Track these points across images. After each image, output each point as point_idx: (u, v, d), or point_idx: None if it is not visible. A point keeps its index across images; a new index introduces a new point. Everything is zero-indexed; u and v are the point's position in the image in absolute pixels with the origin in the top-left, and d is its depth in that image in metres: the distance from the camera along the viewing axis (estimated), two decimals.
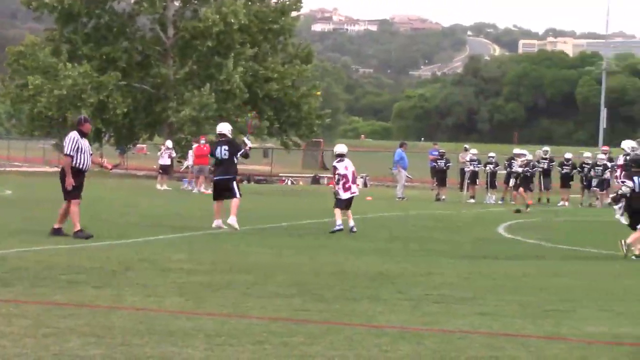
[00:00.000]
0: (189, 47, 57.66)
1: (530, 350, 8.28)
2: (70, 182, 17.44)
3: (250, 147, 21.62)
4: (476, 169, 38.14)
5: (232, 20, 55.50)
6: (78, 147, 17.58)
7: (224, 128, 21.12)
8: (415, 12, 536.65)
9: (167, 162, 43.16)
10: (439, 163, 39.24)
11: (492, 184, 37.72)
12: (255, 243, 17.40)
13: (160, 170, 42.84)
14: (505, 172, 37.05)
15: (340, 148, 21.98)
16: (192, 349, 7.85)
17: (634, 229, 17.39)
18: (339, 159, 21.68)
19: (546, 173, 38.00)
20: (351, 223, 20.99)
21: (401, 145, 39.83)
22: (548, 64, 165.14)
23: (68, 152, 17.58)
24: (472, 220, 25.99)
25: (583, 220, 27.86)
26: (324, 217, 23.44)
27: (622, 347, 8.51)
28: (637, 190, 17.50)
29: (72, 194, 17.53)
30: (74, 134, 17.74)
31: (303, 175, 61.80)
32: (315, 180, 57.43)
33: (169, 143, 45.23)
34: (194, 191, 39.42)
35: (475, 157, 38.73)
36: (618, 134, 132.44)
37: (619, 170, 27.52)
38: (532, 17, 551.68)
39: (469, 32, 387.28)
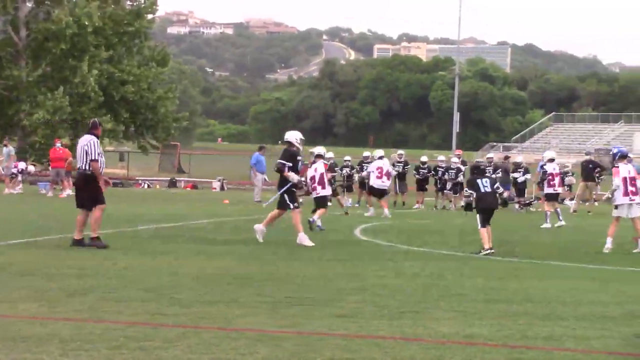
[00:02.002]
0: (43, 49, 56.54)
1: (386, 351, 8.40)
2: (104, 184, 17.41)
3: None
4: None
5: (86, 23, 54.69)
6: (101, 152, 17.46)
7: (290, 136, 20.12)
8: (270, 15, 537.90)
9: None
10: None
11: (348, 188, 37.87)
12: (118, 247, 17.14)
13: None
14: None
15: (317, 149, 23.10)
16: (46, 354, 7.73)
17: (483, 226, 18.28)
18: (313, 160, 22.41)
19: (401, 176, 38.49)
20: (315, 218, 22.94)
21: (260, 149, 39.85)
22: (402, 68, 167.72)
23: (95, 157, 17.22)
24: (330, 223, 26.14)
25: (434, 223, 28.31)
26: (185, 220, 23.28)
27: (475, 347, 8.71)
28: (482, 190, 18.47)
29: (99, 199, 17.27)
30: (94, 138, 17.39)
31: (159, 178, 61.31)
32: (172, 184, 57.06)
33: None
34: (48, 195, 38.72)
35: (332, 161, 39.02)
36: (470, 138, 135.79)
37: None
38: (386, 22, 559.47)
39: (325, 36, 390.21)
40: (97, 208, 17.31)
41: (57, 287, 11.60)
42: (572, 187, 39.86)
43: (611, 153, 21.13)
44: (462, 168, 37.25)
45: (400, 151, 41.39)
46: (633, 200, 19.53)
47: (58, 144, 40.15)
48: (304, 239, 19.18)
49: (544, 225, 27.30)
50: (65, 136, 54.27)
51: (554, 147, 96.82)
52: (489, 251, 18.03)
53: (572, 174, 39.92)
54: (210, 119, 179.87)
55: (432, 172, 38.59)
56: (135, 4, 60.14)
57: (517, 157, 40.54)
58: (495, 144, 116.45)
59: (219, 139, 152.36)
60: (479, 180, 18.69)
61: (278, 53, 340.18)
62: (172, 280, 12.78)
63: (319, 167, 22.38)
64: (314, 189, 22.41)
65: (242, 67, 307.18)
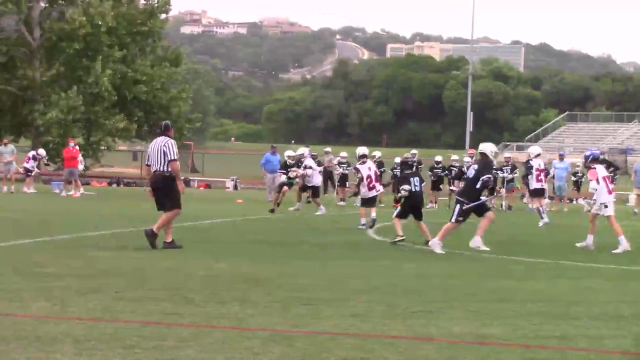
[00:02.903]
0: (56, 48, 56.65)
1: (400, 350, 8.38)
2: (182, 187, 17.54)
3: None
4: (345, 171, 38.46)
5: (100, 22, 54.80)
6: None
7: (485, 148, 19.83)
8: (283, 15, 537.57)
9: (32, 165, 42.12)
10: None
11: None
12: (131, 247, 17.17)
13: (29, 174, 41.90)
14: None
15: (362, 150, 24.49)
16: (60, 354, 7.73)
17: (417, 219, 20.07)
18: (361, 160, 23.17)
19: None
20: (373, 215, 24.17)
21: (271, 149, 39.90)
22: (415, 67, 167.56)
23: (175, 157, 17.27)
24: (344, 223, 26.14)
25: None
26: (199, 220, 23.32)
27: (488, 347, 8.69)
28: (413, 189, 19.98)
29: (177, 202, 17.34)
30: (170, 140, 17.45)
31: None
32: (186, 183, 57.12)
33: (42, 152, 44.34)
34: (62, 194, 38.81)
35: (345, 160, 39.05)
36: (484, 137, 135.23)
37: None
38: (399, 22, 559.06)
39: (338, 36, 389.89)
40: (173, 212, 17.22)
41: (70, 287, 11.61)
42: (581, 186, 39.79)
43: (584, 155, 21.50)
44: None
45: (414, 150, 41.37)
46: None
47: (71, 144, 40.24)
48: (478, 242, 19.07)
49: (542, 222, 27.19)
50: (79, 136, 54.43)
51: (567, 147, 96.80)
52: (399, 239, 19.47)
53: (582, 175, 39.79)
54: (224, 118, 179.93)
55: (447, 171, 38.55)
56: (148, 3, 60.16)
57: (505, 154, 40.52)
58: (509, 143, 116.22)
59: (232, 139, 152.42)
60: (411, 179, 20.02)
61: (291, 53, 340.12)
62: (185, 279, 12.78)
63: (372, 166, 23.86)
64: (373, 187, 24.01)
65: (255, 67, 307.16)
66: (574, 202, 41.81)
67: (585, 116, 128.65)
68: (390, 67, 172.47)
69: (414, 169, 21.78)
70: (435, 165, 39.30)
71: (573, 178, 41.99)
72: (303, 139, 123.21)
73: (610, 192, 19.94)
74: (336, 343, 8.58)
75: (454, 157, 40.09)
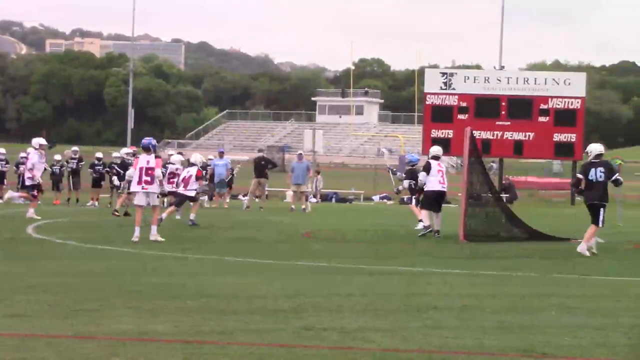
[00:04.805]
0: None
1: (60, 350, 8.27)
2: None
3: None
4: (4, 168, 37.55)
5: None
6: None
7: (597, 148, 19.61)
8: None
9: None
10: None
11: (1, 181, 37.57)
12: None
13: None
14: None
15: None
16: None
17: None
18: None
19: (75, 173, 37.97)
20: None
21: None
22: (75, 64, 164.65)
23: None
24: (0, 221, 25.35)
25: (112, 220, 28.01)
26: None
27: (151, 343, 8.73)
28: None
29: None
30: None
31: None
32: None
33: None
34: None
35: (3, 157, 38.08)
36: (145, 134, 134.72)
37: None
38: (59, 17, 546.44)
39: None
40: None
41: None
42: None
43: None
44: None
45: (75, 147, 40.69)
46: None
47: None
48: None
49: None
50: None
51: (227, 144, 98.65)
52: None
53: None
54: None
55: (107, 168, 38.12)
56: None
57: (192, 155, 40.83)
58: (170, 140, 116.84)
59: None
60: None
61: None
62: None
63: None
64: None
65: None
66: (237, 198, 42.55)
67: (245, 114, 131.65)
68: (49, 63, 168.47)
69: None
70: (97, 162, 38.77)
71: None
72: None
73: None
74: None
75: (115, 154, 39.66)
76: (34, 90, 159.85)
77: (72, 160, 37.99)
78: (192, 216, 25.44)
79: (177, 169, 26.53)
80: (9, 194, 32.25)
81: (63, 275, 13.82)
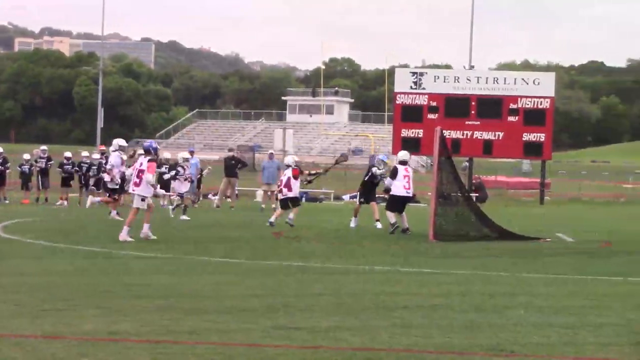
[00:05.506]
0: None
1: (27, 350, 8.23)
2: None
3: None
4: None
5: None
6: None
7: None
8: None
9: None
10: None
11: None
12: None
13: None
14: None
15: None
16: None
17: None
18: None
19: (44, 172, 37.79)
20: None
21: None
22: (45, 62, 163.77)
23: None
24: None
25: (82, 219, 27.87)
26: None
27: (119, 343, 8.71)
28: None
29: None
30: None
31: None
32: None
33: None
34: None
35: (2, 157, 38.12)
36: (115, 134, 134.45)
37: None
38: (27, 16, 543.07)
39: None
40: None
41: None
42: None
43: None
44: (104, 164, 36.93)
45: (44, 147, 40.46)
46: None
47: None
48: None
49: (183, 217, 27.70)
50: None
51: (197, 144, 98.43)
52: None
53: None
54: None
55: (76, 167, 37.95)
56: None
57: (164, 154, 40.65)
58: (140, 140, 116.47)
59: None
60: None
61: None
62: None
63: None
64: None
65: None
66: (207, 197, 42.40)
67: (215, 114, 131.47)
68: (18, 62, 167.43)
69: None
70: (66, 162, 38.58)
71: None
72: None
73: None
74: None
75: (85, 153, 39.52)
76: (2, 89, 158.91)
77: (41, 160, 37.78)
78: (291, 215, 25.65)
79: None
80: (90, 199, 31.99)
81: (32, 275, 13.75)
